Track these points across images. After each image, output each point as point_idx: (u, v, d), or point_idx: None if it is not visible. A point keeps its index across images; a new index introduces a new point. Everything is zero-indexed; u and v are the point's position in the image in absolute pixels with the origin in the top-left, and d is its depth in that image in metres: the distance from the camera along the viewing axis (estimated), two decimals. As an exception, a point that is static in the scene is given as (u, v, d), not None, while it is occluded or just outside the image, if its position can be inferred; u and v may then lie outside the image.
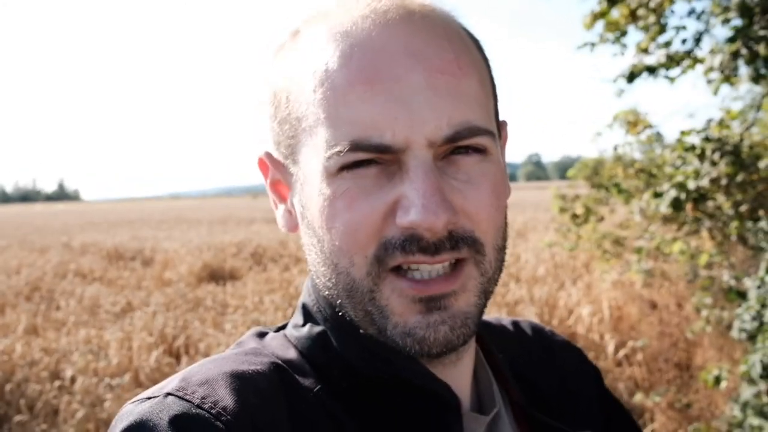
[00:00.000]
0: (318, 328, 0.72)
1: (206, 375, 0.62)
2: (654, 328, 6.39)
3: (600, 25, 4.51)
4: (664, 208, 4.10)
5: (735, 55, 3.71)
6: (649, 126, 5.68)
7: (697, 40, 4.20)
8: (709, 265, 5.21)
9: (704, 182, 3.92)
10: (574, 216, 6.79)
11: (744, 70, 3.86)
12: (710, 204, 4.43)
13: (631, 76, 4.36)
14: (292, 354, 0.71)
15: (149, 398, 0.60)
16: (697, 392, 5.13)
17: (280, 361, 0.68)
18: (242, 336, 0.79)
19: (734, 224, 4.45)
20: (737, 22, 3.76)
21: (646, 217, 5.66)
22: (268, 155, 0.74)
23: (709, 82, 4.03)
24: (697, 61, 4.21)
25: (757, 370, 3.46)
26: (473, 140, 0.63)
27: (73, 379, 5.66)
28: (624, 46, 4.49)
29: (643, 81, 4.36)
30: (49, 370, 5.91)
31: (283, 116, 0.68)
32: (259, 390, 0.62)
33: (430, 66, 0.62)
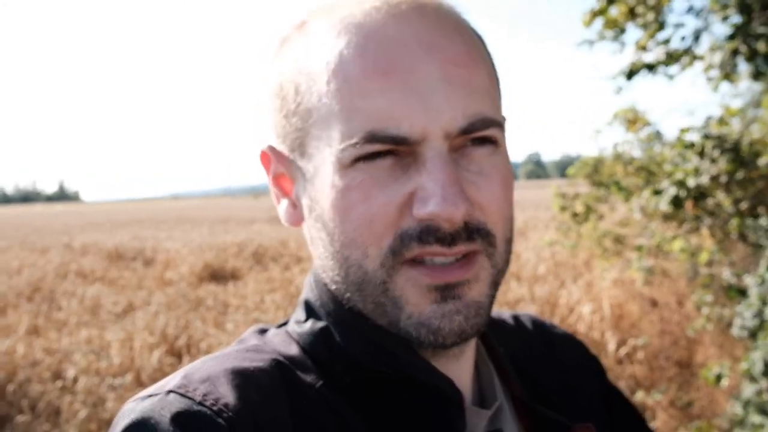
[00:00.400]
0: (320, 324, 0.72)
1: (208, 372, 0.62)
2: (655, 326, 6.38)
3: (599, 22, 4.51)
4: (664, 205, 4.10)
5: (734, 52, 3.72)
6: (648, 124, 5.69)
7: (696, 38, 4.20)
8: (709, 263, 5.20)
9: (704, 180, 3.92)
10: (575, 214, 6.80)
11: (743, 68, 3.87)
12: (710, 201, 4.43)
13: (630, 74, 4.37)
14: (294, 350, 0.71)
15: (151, 396, 0.60)
16: (698, 390, 5.12)
17: (281, 358, 0.68)
18: (243, 333, 0.79)
19: (734, 221, 4.45)
20: (736, 19, 3.76)
21: (646, 214, 5.66)
22: (272, 149, 0.73)
23: (709, 79, 4.03)
24: (696, 58, 4.21)
25: (758, 368, 3.46)
26: (486, 132, 0.64)
27: (75, 379, 5.67)
28: (623, 43, 4.50)
29: (642, 78, 4.37)
30: (51, 371, 5.92)
31: (291, 108, 0.68)
32: (261, 387, 0.62)
33: (445, 58, 0.62)
